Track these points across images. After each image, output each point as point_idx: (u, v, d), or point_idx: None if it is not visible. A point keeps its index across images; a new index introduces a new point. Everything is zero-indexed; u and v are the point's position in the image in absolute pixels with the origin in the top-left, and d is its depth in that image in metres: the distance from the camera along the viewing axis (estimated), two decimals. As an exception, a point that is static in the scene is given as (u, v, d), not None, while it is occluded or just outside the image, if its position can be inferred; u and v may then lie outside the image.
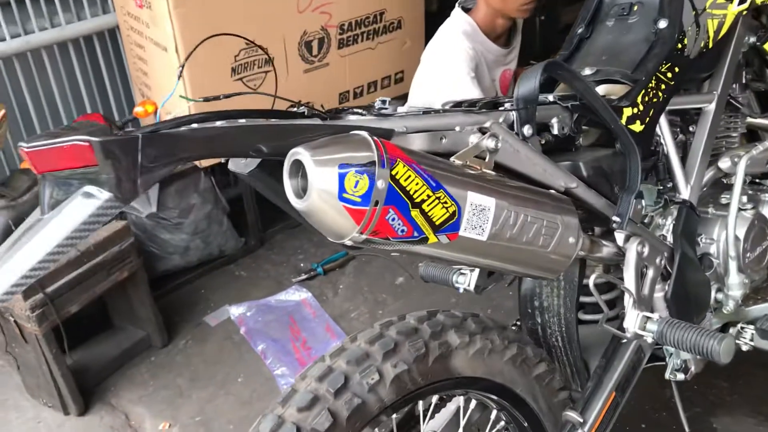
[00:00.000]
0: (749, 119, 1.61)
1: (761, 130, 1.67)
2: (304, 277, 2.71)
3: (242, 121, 0.93)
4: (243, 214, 2.86)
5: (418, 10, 2.88)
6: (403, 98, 2.75)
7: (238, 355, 2.37)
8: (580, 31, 1.49)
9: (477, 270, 1.44)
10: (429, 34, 2.57)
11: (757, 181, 1.65)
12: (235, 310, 2.53)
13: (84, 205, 0.81)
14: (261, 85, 2.53)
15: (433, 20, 2.64)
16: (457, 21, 2.35)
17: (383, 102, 1.10)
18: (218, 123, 0.89)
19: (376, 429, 1.17)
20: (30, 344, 2.08)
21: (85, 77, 2.81)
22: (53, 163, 0.81)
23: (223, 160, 0.96)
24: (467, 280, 1.49)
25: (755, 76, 1.66)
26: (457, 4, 2.41)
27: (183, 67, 1.56)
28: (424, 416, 1.30)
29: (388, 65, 2.91)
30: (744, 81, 1.64)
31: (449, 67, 2.28)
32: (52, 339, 2.07)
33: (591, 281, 1.13)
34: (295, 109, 1.00)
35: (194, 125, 0.85)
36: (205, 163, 2.59)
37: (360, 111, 1.05)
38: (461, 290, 1.50)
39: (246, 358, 2.35)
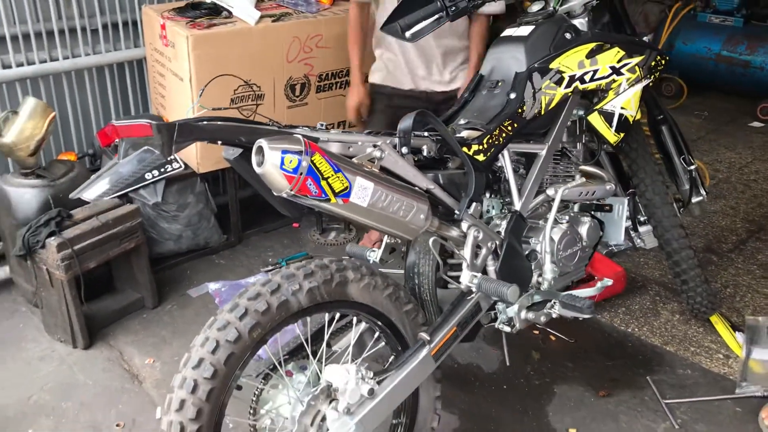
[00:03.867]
0: (580, 166, 2.34)
1: (580, 174, 2.37)
2: (270, 268, 3.39)
3: (233, 122, 1.65)
4: (227, 216, 3.56)
5: (383, 69, 3.64)
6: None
7: (211, 318, 3.03)
8: (466, 95, 2.23)
9: (383, 248, 2.15)
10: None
11: (592, 211, 2.38)
12: (213, 286, 3.21)
13: (143, 157, 1.51)
14: (252, 114, 3.25)
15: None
16: None
17: (322, 124, 1.82)
18: (219, 122, 1.60)
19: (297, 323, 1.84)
20: (55, 288, 2.74)
21: (114, 94, 3.54)
22: (129, 133, 1.52)
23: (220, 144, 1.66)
24: (376, 255, 2.20)
25: (589, 137, 2.40)
26: None
27: (201, 94, 2.28)
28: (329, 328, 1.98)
29: (356, 110, 3.65)
30: (583, 141, 2.38)
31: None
32: (74, 285, 2.73)
33: (430, 242, 1.84)
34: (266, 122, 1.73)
35: (205, 122, 1.56)
36: (203, 170, 3.29)
37: (306, 127, 1.77)
38: (371, 261, 2.21)
39: (217, 321, 3.01)
